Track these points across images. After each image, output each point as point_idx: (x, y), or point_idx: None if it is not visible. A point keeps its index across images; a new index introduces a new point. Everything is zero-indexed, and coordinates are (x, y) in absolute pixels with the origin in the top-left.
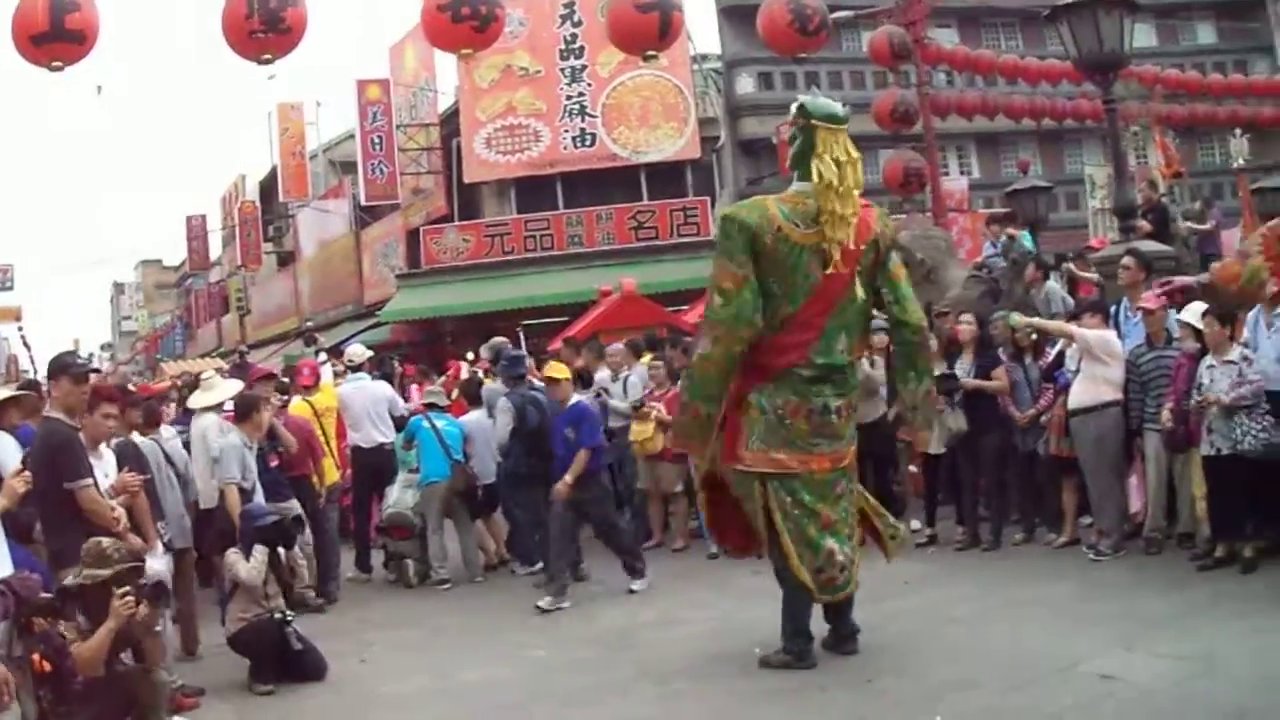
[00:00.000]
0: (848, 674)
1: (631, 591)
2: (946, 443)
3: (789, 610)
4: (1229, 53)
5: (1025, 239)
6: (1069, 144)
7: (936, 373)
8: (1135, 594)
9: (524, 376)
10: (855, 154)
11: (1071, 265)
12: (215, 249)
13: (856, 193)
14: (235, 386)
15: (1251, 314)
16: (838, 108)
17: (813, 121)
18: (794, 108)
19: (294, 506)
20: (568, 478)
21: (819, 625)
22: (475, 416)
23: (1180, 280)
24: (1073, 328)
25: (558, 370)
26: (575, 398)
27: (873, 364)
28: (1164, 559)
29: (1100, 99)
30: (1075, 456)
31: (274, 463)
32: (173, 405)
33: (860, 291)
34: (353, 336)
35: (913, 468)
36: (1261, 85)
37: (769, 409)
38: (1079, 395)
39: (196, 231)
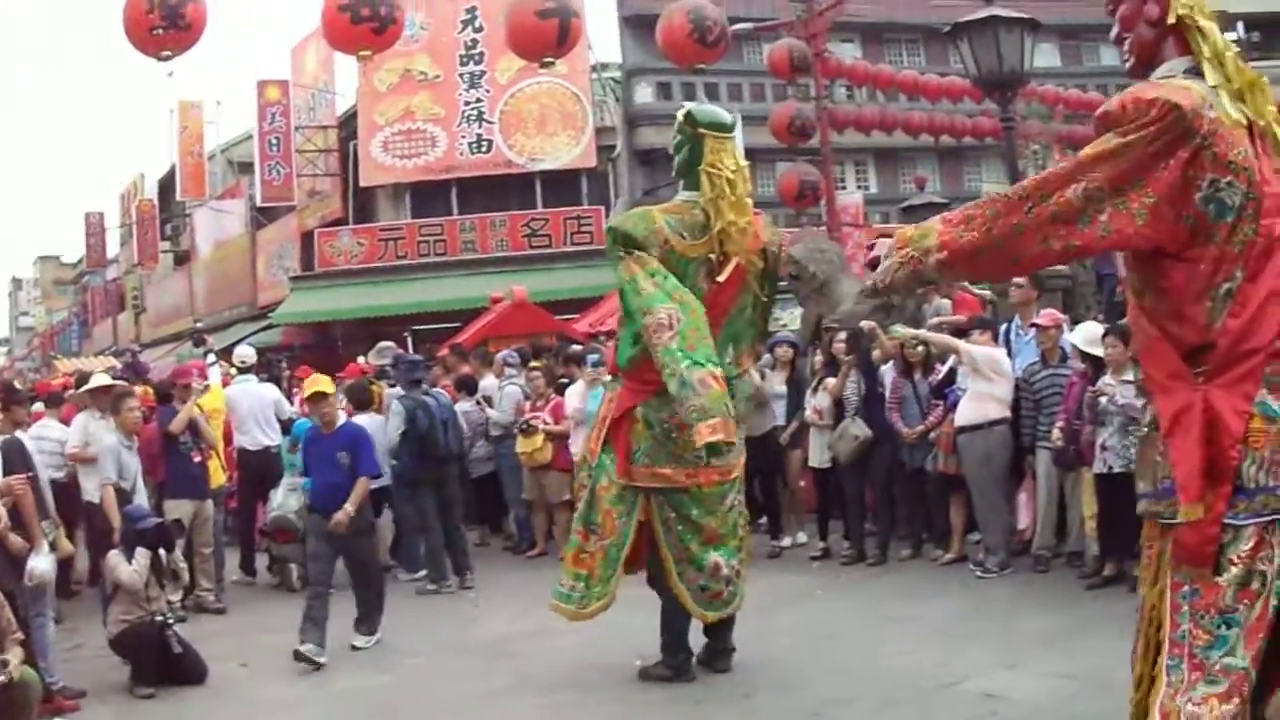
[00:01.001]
0: (725, 689)
1: (354, 648)
2: (852, 453)
3: (667, 623)
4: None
5: None
6: (969, 161)
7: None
8: (1021, 612)
9: (420, 381)
10: (743, 162)
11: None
12: (113, 246)
13: (749, 202)
14: (103, 378)
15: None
16: (725, 115)
17: (700, 130)
18: (680, 115)
19: (208, 507)
20: (349, 506)
21: (697, 638)
22: (361, 421)
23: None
24: (959, 343)
25: (321, 384)
26: (344, 417)
27: (763, 376)
28: (1052, 577)
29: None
30: (962, 473)
31: (196, 459)
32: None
33: (749, 302)
34: (245, 338)
35: (802, 482)
36: None
37: (655, 423)
38: (966, 413)
39: (95, 228)
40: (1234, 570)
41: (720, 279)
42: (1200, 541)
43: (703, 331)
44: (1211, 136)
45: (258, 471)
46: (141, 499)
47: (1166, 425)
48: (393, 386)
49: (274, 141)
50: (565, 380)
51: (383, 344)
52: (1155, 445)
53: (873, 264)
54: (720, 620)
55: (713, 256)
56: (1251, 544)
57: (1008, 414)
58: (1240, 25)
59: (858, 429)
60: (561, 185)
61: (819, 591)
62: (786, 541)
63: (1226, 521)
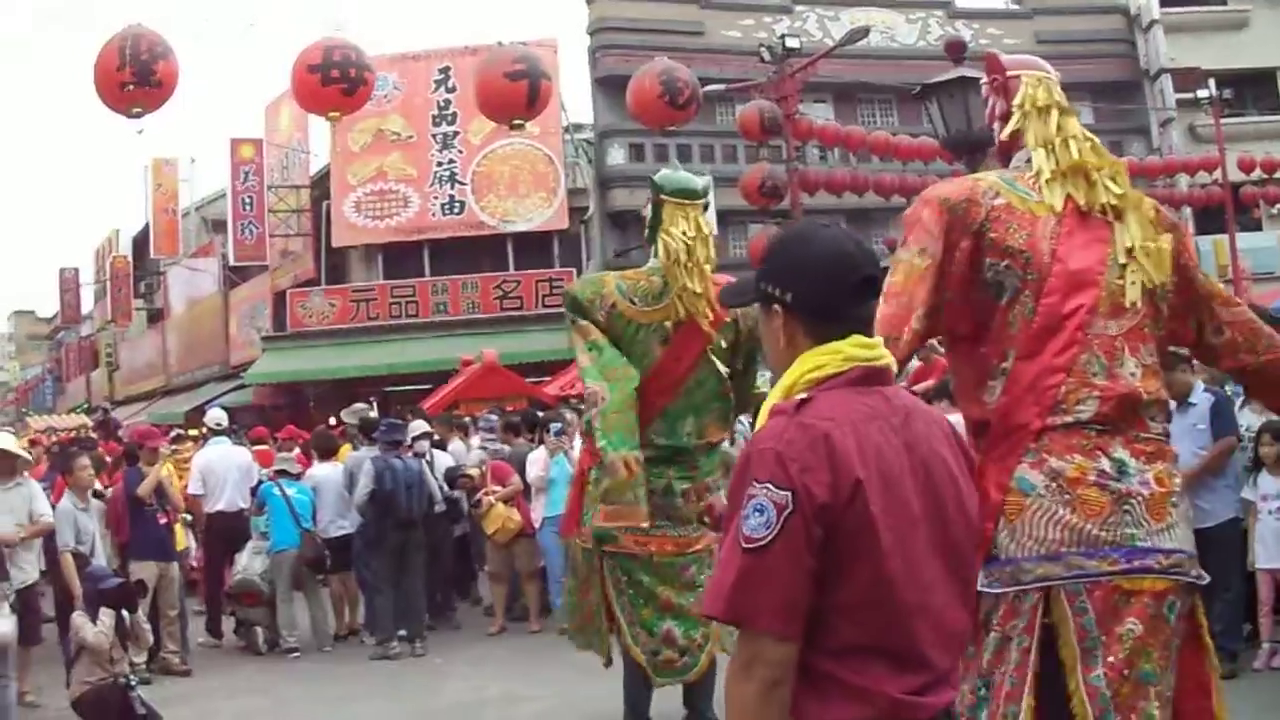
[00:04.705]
0: None
1: None
2: None
3: (627, 690)
4: (1105, 134)
5: None
6: None
7: None
8: None
9: (399, 443)
10: (706, 230)
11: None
12: (88, 303)
13: (708, 269)
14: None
15: None
16: (694, 181)
17: (661, 196)
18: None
19: (173, 569)
20: None
21: (669, 706)
22: (325, 469)
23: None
24: None
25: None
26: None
27: (732, 442)
28: None
29: None
30: None
31: (162, 520)
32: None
33: (711, 375)
34: (216, 398)
35: None
36: (1135, 167)
37: None
38: None
39: (69, 284)
40: (992, 636)
41: (669, 348)
42: None
43: (626, 414)
44: (990, 222)
45: (228, 534)
46: (101, 560)
47: None
48: (355, 448)
49: (247, 200)
50: (506, 448)
51: (356, 405)
52: None
53: None
54: (691, 687)
55: (668, 324)
56: (1003, 611)
57: None
58: (1212, 82)
59: None
60: (533, 247)
61: None
62: None
63: (983, 590)
